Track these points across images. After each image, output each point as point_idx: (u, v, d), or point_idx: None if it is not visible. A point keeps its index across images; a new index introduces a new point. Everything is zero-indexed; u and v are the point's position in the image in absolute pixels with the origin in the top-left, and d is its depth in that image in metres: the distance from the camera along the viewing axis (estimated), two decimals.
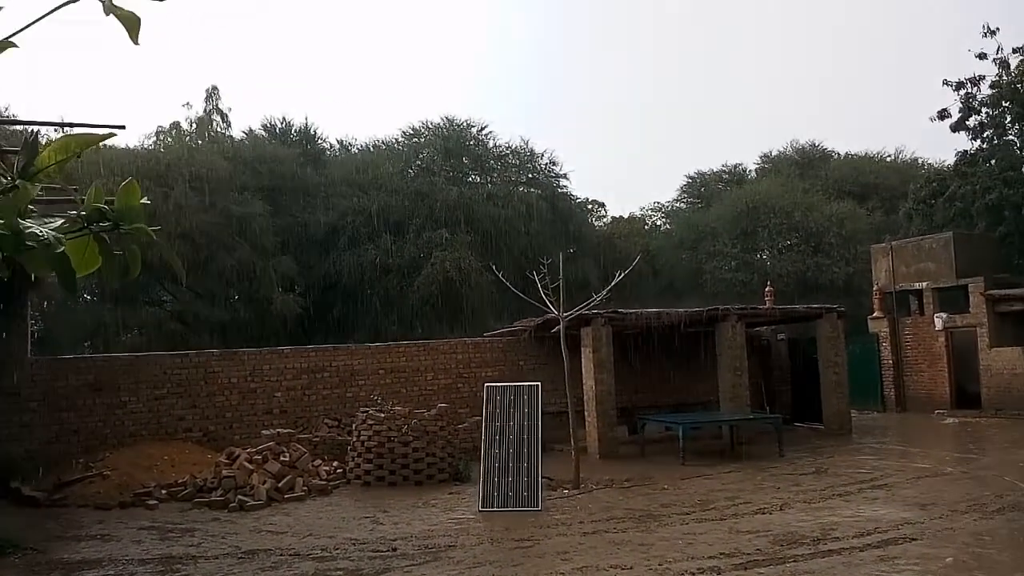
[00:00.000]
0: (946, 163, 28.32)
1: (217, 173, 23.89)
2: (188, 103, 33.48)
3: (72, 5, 1.65)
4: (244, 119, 55.69)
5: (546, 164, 30.74)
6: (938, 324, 20.54)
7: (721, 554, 7.22)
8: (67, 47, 51.77)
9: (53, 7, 1.65)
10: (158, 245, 2.05)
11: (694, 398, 17.39)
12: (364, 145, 31.63)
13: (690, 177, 37.31)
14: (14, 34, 1.67)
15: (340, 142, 31.97)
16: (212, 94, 30.08)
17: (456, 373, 16.40)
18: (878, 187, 33.23)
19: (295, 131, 30.01)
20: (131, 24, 1.66)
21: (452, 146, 29.13)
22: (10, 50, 1.68)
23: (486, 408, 10.51)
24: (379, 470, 11.94)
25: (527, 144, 30.55)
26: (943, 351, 20.54)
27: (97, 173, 19.85)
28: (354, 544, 8.26)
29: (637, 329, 16.03)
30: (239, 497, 10.63)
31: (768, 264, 29.89)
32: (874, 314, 22.11)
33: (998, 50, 23.83)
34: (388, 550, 7.94)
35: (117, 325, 22.61)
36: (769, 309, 17.74)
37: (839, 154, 36.89)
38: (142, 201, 1.96)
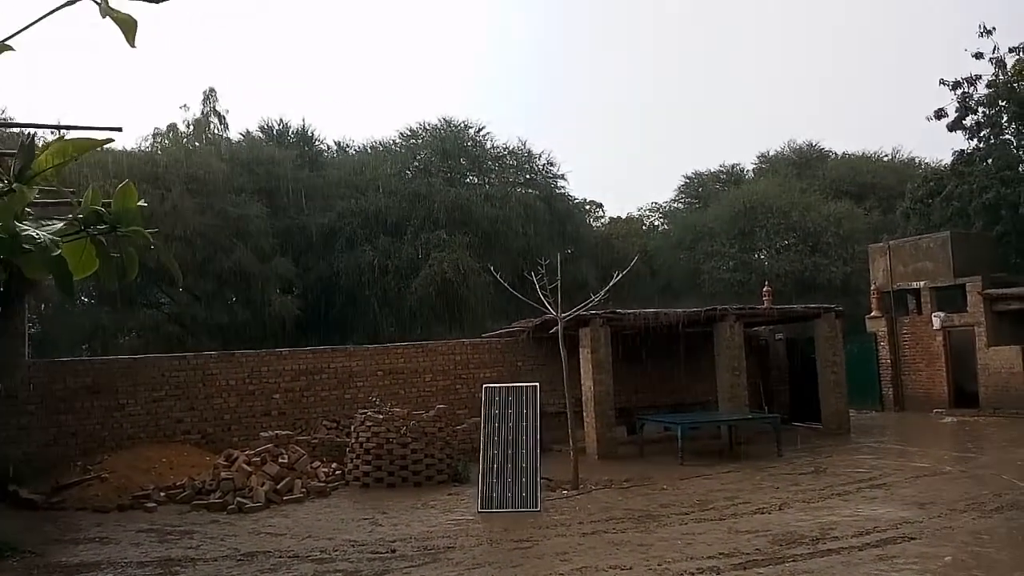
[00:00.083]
0: (943, 162, 28.40)
1: (214, 175, 23.87)
2: (185, 105, 33.44)
3: (69, 7, 1.65)
4: (241, 121, 55.79)
5: (544, 165, 30.77)
6: (936, 323, 20.56)
7: (720, 554, 7.23)
8: (64, 48, 51.75)
9: (50, 9, 1.65)
10: (155, 248, 2.05)
11: (692, 398, 17.40)
12: (361, 147, 31.65)
13: (688, 177, 37.36)
14: (10, 37, 1.67)
15: (337, 143, 32.00)
16: (209, 96, 30.07)
17: (454, 374, 16.39)
18: (875, 187, 33.26)
19: (292, 133, 30.00)
20: (128, 27, 1.65)
21: (449, 147, 29.11)
22: (7, 53, 1.68)
23: (484, 409, 10.51)
24: (378, 472, 11.93)
25: (524, 145, 30.59)
26: (941, 350, 20.57)
27: (94, 175, 19.83)
28: (353, 546, 8.25)
29: (635, 329, 16.03)
30: (238, 499, 10.62)
31: (766, 264, 29.90)
32: (872, 314, 22.13)
33: (994, 49, 23.93)
34: (387, 552, 7.94)
35: (115, 328, 22.59)
36: (767, 309, 17.76)
37: (836, 154, 36.95)
38: (139, 204, 1.96)
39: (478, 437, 10.67)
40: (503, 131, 79.02)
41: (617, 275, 12.37)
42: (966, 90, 24.35)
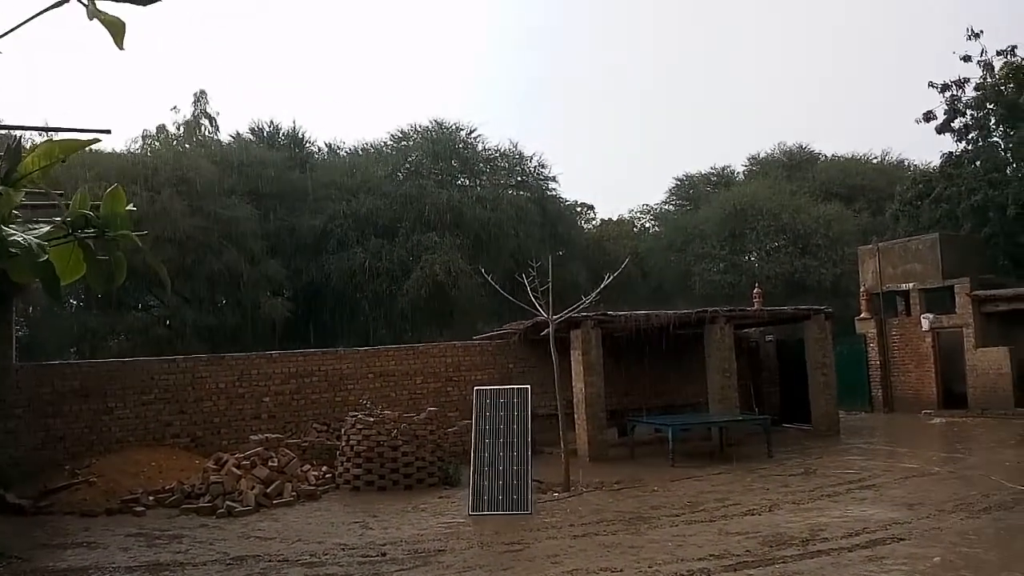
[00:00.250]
0: (932, 165, 28.56)
1: (204, 177, 23.78)
2: (176, 107, 33.44)
3: (57, 9, 1.64)
4: (232, 123, 55.60)
5: (535, 167, 30.83)
6: (925, 325, 20.68)
7: (710, 556, 7.24)
8: (53, 50, 51.43)
9: (37, 11, 1.63)
10: (144, 252, 2.04)
11: (683, 400, 17.43)
12: (352, 148, 31.61)
13: (678, 179, 37.51)
14: None
15: (328, 145, 31.94)
16: (200, 98, 30.01)
17: (445, 377, 16.37)
18: (865, 189, 33.46)
19: (283, 135, 29.92)
20: (116, 29, 1.64)
21: (441, 149, 29.11)
22: None
23: (475, 411, 10.50)
24: (368, 475, 11.89)
25: (516, 147, 30.64)
26: (930, 352, 20.69)
27: (83, 177, 19.73)
28: (343, 549, 8.22)
29: (626, 331, 16.04)
30: (227, 503, 10.56)
31: (756, 266, 30.02)
32: (861, 315, 22.24)
33: (982, 52, 24.09)
34: (378, 555, 7.91)
35: (103, 330, 22.45)
36: (757, 311, 17.82)
37: (826, 156, 37.15)
38: (128, 208, 1.95)
39: (469, 440, 10.66)
40: (497, 132, 79.22)
41: (608, 277, 12.40)
42: (954, 93, 24.52)
